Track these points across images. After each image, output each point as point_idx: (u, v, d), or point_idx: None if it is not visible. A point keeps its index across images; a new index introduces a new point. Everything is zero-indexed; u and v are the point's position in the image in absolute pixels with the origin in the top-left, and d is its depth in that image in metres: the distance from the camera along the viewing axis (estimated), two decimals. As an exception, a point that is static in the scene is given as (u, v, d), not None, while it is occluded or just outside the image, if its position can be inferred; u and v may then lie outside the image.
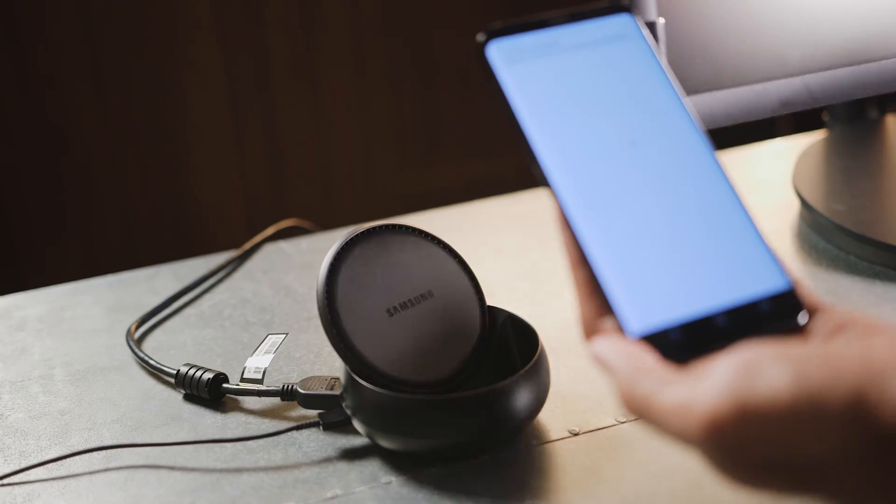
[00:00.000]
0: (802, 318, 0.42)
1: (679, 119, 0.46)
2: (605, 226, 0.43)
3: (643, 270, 0.42)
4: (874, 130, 0.99)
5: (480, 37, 0.45)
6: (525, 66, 0.45)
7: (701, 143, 0.46)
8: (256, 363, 0.66)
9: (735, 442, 0.37)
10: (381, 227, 0.64)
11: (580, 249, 0.43)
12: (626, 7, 0.47)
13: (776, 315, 0.42)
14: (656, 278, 0.42)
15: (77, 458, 0.62)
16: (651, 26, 0.85)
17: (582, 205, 0.43)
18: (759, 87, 0.73)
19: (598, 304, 0.43)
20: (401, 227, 0.65)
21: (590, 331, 0.44)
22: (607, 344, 0.42)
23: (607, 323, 0.43)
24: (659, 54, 0.47)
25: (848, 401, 0.36)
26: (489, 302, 0.65)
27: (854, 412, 0.36)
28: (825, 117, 1.02)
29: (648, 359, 0.41)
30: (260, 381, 0.65)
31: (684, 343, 0.41)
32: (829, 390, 0.36)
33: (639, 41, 0.47)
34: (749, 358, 0.38)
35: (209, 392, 0.67)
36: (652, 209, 0.44)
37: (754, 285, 0.43)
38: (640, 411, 0.40)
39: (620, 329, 0.42)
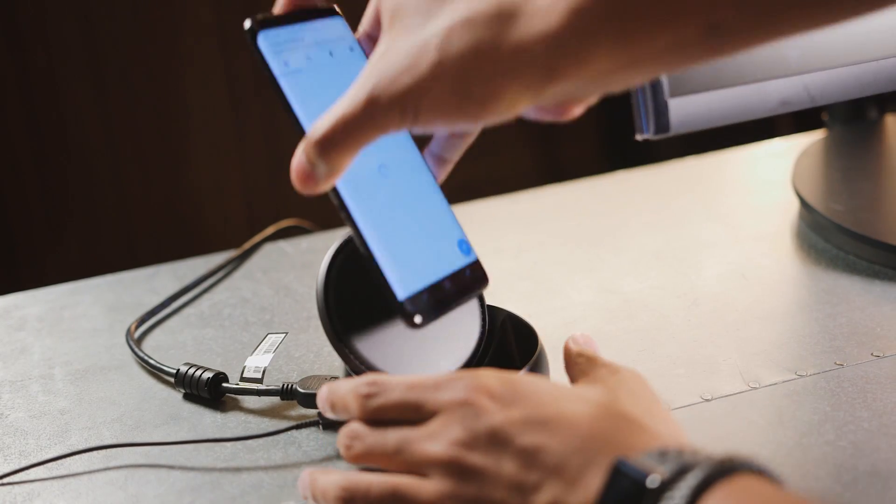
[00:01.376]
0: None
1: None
2: (372, 218, 0.52)
3: (399, 252, 0.53)
4: (874, 130, 0.99)
5: (248, 23, 0.50)
6: (286, 56, 0.51)
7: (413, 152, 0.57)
8: (256, 362, 0.66)
9: None
10: (380, 226, 0.64)
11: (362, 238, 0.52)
12: (334, 10, 0.55)
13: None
14: (406, 257, 0.53)
15: (77, 457, 0.62)
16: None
17: (354, 196, 0.52)
18: (759, 87, 0.73)
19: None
20: (400, 226, 0.64)
21: None
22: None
23: None
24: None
25: None
26: (489, 301, 0.65)
27: None
28: (825, 117, 1.02)
29: None
30: (260, 381, 0.65)
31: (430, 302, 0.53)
32: None
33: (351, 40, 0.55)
34: None
35: (209, 391, 0.67)
36: (396, 207, 0.54)
37: (459, 258, 0.56)
38: None
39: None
